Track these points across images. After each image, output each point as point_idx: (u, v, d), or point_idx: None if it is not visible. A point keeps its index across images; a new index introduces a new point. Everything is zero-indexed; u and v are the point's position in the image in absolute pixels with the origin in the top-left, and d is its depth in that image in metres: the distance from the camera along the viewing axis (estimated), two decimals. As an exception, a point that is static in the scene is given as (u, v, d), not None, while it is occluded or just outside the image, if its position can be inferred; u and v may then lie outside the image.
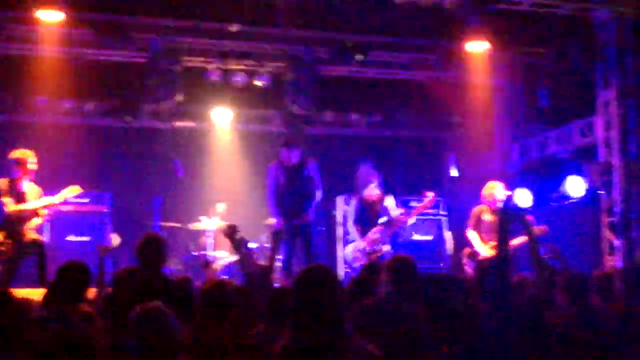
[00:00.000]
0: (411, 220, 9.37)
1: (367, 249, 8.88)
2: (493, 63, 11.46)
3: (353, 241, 9.22)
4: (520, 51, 11.01)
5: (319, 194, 8.93)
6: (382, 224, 8.91)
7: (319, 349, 2.97)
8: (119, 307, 4.63)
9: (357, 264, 8.78)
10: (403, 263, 4.78)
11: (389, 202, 9.15)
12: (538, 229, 8.47)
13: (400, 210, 9.32)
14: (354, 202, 9.20)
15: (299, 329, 3.02)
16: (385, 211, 9.07)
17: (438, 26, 10.52)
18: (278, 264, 8.71)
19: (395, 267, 4.73)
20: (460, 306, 3.68)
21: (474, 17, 10.03)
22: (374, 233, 8.90)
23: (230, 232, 5.77)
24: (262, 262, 7.77)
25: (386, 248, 8.90)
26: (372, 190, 9.04)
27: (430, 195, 9.43)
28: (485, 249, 8.73)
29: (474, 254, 8.80)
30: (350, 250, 9.21)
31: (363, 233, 8.96)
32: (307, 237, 8.83)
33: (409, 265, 4.77)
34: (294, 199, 8.78)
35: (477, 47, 10.97)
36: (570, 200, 10.67)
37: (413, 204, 10.18)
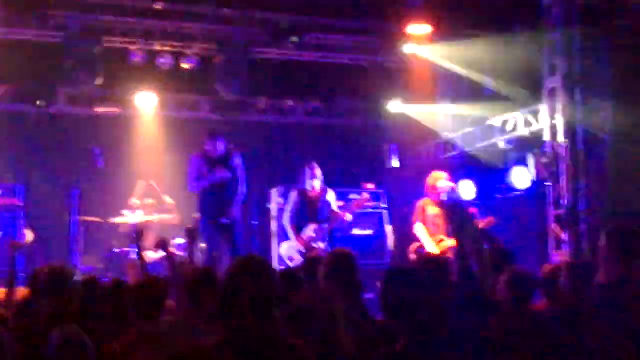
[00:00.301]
0: (348, 217, 9.20)
1: (302, 249, 8.82)
2: (436, 47, 11.32)
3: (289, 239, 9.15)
4: (464, 35, 10.73)
5: (242, 190, 8.77)
6: (320, 220, 8.86)
7: (254, 346, 2.91)
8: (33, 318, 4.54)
9: (292, 264, 8.67)
10: (342, 257, 4.78)
11: (331, 196, 9.08)
12: (484, 221, 8.52)
13: (340, 203, 9.30)
14: (293, 195, 9.07)
15: (232, 324, 2.95)
16: (327, 206, 9.01)
17: (379, 7, 10.42)
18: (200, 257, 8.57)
19: (334, 262, 4.74)
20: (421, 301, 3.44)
21: (416, -1, 9.98)
22: (310, 231, 8.80)
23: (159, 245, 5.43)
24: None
25: (322, 245, 8.81)
26: (315, 185, 8.96)
27: (366, 194, 9.63)
28: (433, 245, 8.66)
29: (422, 249, 8.71)
30: (285, 248, 9.12)
31: (299, 230, 8.86)
32: (232, 235, 8.68)
33: (349, 260, 4.78)
34: (218, 193, 8.59)
35: (419, 30, 10.89)
36: (516, 192, 10.68)
37: (352, 196, 9.99)
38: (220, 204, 8.62)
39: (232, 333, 2.93)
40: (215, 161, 8.65)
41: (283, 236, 9.66)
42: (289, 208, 9.08)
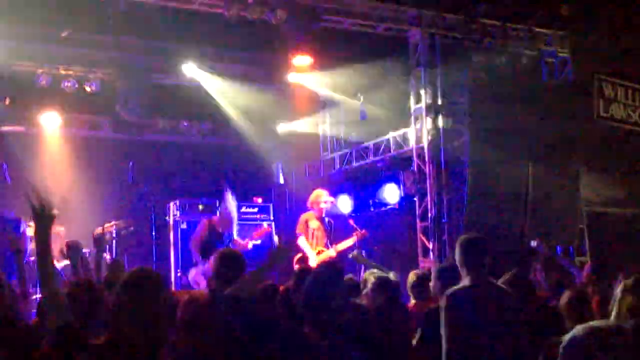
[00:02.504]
0: (249, 245, 9.59)
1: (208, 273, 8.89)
2: (317, 77, 11.90)
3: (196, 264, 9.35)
4: (342, 67, 11.38)
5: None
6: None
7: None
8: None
9: (199, 288, 8.86)
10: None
11: (233, 228, 9.44)
12: (359, 233, 9.22)
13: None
14: (203, 224, 9.32)
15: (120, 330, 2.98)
16: (230, 235, 9.37)
17: (267, 40, 10.77)
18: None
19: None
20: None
21: (299, 34, 10.33)
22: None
23: None
24: None
25: None
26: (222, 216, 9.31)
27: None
28: (313, 257, 9.19)
29: (304, 260, 9.20)
30: (193, 274, 9.30)
31: (205, 256, 8.99)
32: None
33: None
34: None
35: (302, 62, 11.48)
36: (387, 206, 11.41)
37: (243, 209, 10.59)
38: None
39: (118, 335, 2.95)
40: None
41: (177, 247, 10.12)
42: (196, 235, 9.27)
